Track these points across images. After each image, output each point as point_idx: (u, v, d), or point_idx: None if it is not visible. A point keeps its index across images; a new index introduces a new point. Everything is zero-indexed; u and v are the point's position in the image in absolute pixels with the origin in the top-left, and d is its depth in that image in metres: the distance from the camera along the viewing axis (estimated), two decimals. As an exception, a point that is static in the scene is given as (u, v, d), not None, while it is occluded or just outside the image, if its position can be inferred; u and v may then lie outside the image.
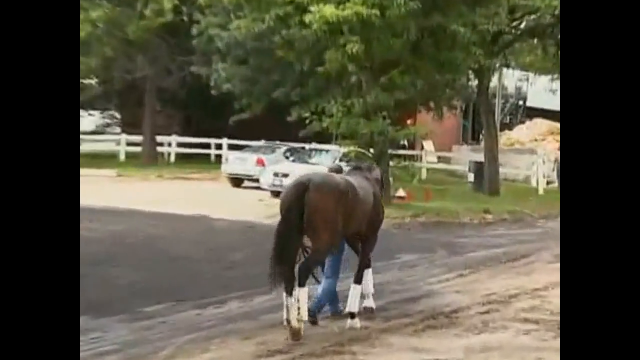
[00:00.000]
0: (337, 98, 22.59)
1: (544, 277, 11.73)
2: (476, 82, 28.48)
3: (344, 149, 21.75)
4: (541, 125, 37.48)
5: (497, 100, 31.50)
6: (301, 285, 7.64)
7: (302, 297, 7.63)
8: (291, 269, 7.60)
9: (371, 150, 20.82)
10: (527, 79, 43.03)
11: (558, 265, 13.01)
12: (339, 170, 9.24)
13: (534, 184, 28.62)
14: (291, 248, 7.66)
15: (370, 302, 8.96)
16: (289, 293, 7.55)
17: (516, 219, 20.84)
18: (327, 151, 25.45)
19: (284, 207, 7.90)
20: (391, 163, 21.14)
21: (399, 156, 24.92)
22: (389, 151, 20.94)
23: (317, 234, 7.78)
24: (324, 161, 24.37)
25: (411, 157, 32.78)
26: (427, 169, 32.14)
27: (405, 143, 34.49)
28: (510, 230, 18.77)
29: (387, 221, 18.73)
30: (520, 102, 45.07)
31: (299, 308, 7.59)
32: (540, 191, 26.73)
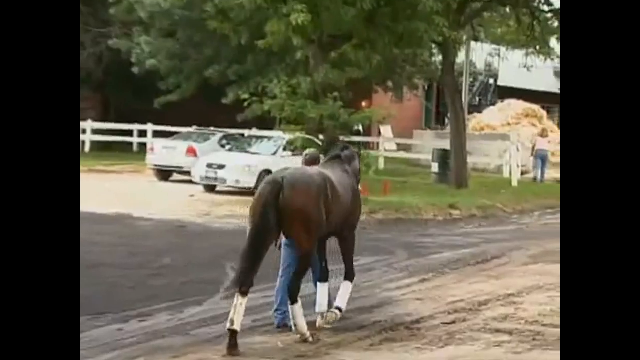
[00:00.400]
0: (281, 77, 22.62)
1: (518, 281, 11.93)
2: (440, 57, 28.77)
3: (288, 136, 21.78)
4: (515, 107, 38.00)
5: (464, 78, 31.79)
6: (294, 301, 8.22)
7: (297, 313, 8.23)
8: (255, 270, 8.01)
9: (320, 137, 20.89)
10: (499, 54, 43.58)
11: (534, 267, 13.27)
12: (315, 159, 9.37)
13: (507, 174, 29.05)
14: (263, 253, 8.06)
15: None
16: (244, 294, 7.91)
17: (487, 215, 21.13)
18: (269, 138, 25.45)
19: (257, 209, 8.09)
20: (344, 152, 21.22)
21: (353, 144, 25.02)
22: (341, 138, 21.01)
23: (300, 238, 8.18)
24: (265, 150, 24.39)
25: (367, 145, 32.97)
26: (385, 159, 32.37)
27: (360, 129, 34.68)
28: (480, 228, 19.03)
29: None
30: (491, 81, 45.63)
31: (295, 325, 8.22)
32: (514, 183, 27.14)
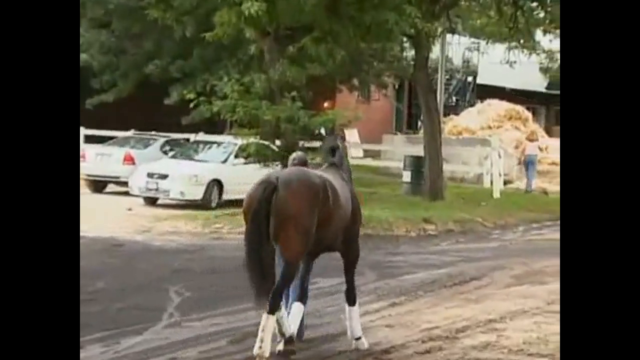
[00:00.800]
0: (232, 74, 22.64)
1: (500, 304, 12.02)
2: (412, 52, 28.91)
3: (240, 141, 21.76)
4: (497, 108, 38.30)
5: (439, 76, 32.03)
6: (272, 311, 8.15)
7: (268, 327, 8.15)
8: (273, 282, 8.21)
9: (277, 142, 20.90)
10: (478, 49, 44.01)
11: (518, 289, 13.38)
12: (304, 162, 9.53)
13: (487, 184, 29.25)
14: (269, 257, 8.24)
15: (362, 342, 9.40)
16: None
17: (465, 230, 21.25)
18: (218, 144, 25.44)
19: (249, 211, 8.26)
20: (303, 159, 21.24)
21: (314, 150, 25.06)
22: (301, 143, 21.05)
23: (288, 243, 8.27)
24: (214, 157, 24.38)
25: (329, 151, 33.01)
26: (351, 166, 32.47)
27: (322, 132, 34.66)
28: (458, 245, 19.14)
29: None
30: (470, 79, 46.00)
31: (261, 340, 8.09)
32: (496, 193, 27.34)
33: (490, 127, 36.88)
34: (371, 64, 33.60)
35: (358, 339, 9.34)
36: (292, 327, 8.90)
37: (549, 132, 41.67)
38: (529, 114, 38.98)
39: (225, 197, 23.26)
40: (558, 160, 29.83)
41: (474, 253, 17.71)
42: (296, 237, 8.26)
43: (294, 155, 9.98)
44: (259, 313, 10.54)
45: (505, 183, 29.83)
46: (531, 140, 30.81)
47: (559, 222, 25.24)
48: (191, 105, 21.41)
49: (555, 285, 13.58)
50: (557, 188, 28.37)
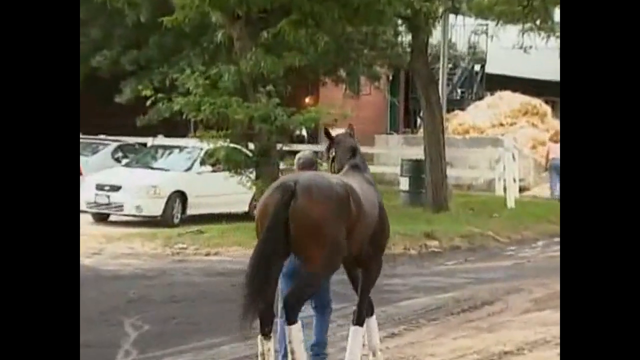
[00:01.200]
0: (196, 65, 22.59)
1: (517, 334, 12.03)
2: (409, 37, 28.93)
3: (207, 145, 21.75)
4: (509, 101, 38.40)
5: (441, 64, 32.08)
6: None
7: (295, 337, 8.37)
8: (272, 304, 8.46)
9: (250, 145, 20.88)
10: (486, 32, 44.05)
11: (538, 315, 13.40)
12: (312, 163, 9.79)
13: (500, 191, 29.30)
14: (275, 275, 8.46)
15: None
16: (267, 335, 8.31)
17: (474, 247, 21.28)
18: (181, 149, 25.42)
19: (264, 219, 8.45)
20: (282, 165, 21.27)
21: (294, 153, 25.05)
22: (278, 147, 21.06)
23: (309, 253, 8.43)
24: (176, 164, 24.35)
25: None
26: (338, 173, 32.54)
27: (304, 133, 34.76)
28: (466, 264, 19.16)
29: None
30: (477, 67, 46.08)
31: (292, 352, 8.37)
32: (510, 203, 27.39)
33: (502, 125, 36.97)
34: (360, 51, 33.60)
35: None
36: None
37: (572, 129, 41.82)
38: (547, 108, 39.05)
39: (189, 211, 23.24)
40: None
41: (486, 273, 17.73)
42: (317, 246, 8.44)
43: (299, 155, 10.14)
44: (231, 348, 10.56)
45: (521, 190, 29.88)
46: (556, 142, 30.65)
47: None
48: (147, 103, 21.37)
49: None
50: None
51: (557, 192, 29.38)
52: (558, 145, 29.92)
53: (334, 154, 10.09)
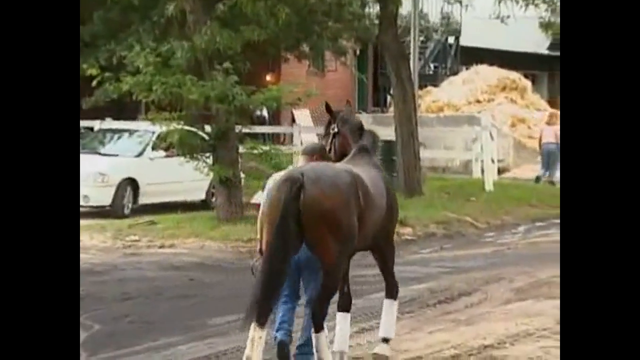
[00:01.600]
0: (145, 41, 22.47)
1: (498, 326, 12.08)
2: (377, 8, 28.92)
3: (159, 129, 21.68)
4: (486, 76, 38.50)
5: (412, 37, 32.09)
6: (319, 328, 9.07)
7: (322, 344, 9.09)
8: (274, 296, 8.94)
9: (207, 128, 20.84)
10: (460, 1, 44.09)
11: (521, 305, 13.46)
12: (318, 150, 9.97)
13: (477, 173, 29.36)
14: (285, 271, 8.83)
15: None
16: (262, 324, 8.68)
17: (451, 233, 21.34)
18: (131, 133, 25.30)
19: (273, 214, 8.80)
20: (241, 148, 21.25)
21: (255, 136, 25.05)
22: (237, 129, 21.03)
23: (324, 244, 8.85)
24: (126, 150, 24.24)
25: (275, 138, 32.98)
26: (303, 157, 32.55)
27: (265, 114, 34.70)
28: (442, 252, 19.22)
29: (238, 246, 18.90)
30: (451, 40, 46.15)
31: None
32: (489, 185, 27.46)
33: (478, 101, 37.08)
34: (325, 24, 33.50)
35: (385, 340, 10.14)
36: (344, 342, 9.76)
37: (553, 105, 41.98)
38: (527, 83, 39.23)
39: (141, 201, 23.17)
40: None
41: (463, 262, 17.79)
42: (334, 241, 8.83)
43: (305, 145, 10.69)
44: (188, 348, 10.57)
45: (499, 172, 29.97)
46: (549, 124, 30.59)
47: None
48: (93, 83, 21.27)
49: (567, 300, 13.71)
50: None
51: (554, 177, 29.36)
52: (552, 129, 29.85)
53: (336, 129, 10.27)
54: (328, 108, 10.59)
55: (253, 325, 8.58)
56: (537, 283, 15.12)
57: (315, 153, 9.90)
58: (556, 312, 12.70)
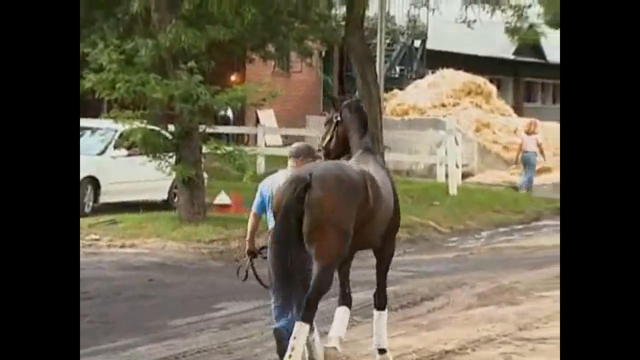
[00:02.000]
0: (109, 39, 22.37)
1: (459, 331, 12.10)
2: (344, 10, 28.94)
3: (122, 127, 21.59)
4: (452, 80, 38.53)
5: (378, 39, 32.09)
6: (306, 320, 8.95)
7: (301, 335, 8.92)
8: (289, 290, 9.35)
9: (170, 127, 20.78)
10: (427, 4, 44.16)
11: (482, 310, 13.51)
12: (307, 152, 10.01)
13: (442, 178, 29.38)
14: (297, 262, 9.04)
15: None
16: (307, 321, 8.93)
17: (414, 238, 21.36)
18: (93, 131, 25.15)
19: (278, 211, 9.03)
20: (205, 149, 21.20)
21: (219, 136, 24.98)
22: (201, 129, 20.97)
23: (323, 246, 8.95)
24: (88, 148, 24.10)
25: (239, 139, 32.91)
26: (267, 158, 32.42)
27: (229, 114, 34.61)
28: (405, 257, 19.22)
29: (199, 247, 18.87)
30: (417, 43, 46.18)
31: (292, 348, 8.85)
32: (453, 190, 27.48)
33: (444, 105, 37.11)
34: (291, 25, 33.50)
35: (382, 352, 10.05)
36: (339, 330, 9.77)
37: (518, 111, 42.10)
38: (492, 88, 39.31)
39: (102, 199, 23.04)
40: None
41: (426, 266, 17.82)
42: (332, 240, 8.94)
43: (293, 145, 10.44)
44: (147, 349, 10.53)
45: (464, 176, 30.00)
46: (528, 133, 30.58)
47: (532, 224, 25.56)
48: (56, 80, 21.14)
49: (528, 306, 13.74)
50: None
51: (526, 185, 29.45)
52: (532, 138, 29.88)
53: (338, 118, 10.25)
54: (333, 100, 10.84)
55: (298, 323, 8.85)
56: (499, 289, 15.17)
57: (301, 154, 9.93)
58: (517, 319, 12.79)
